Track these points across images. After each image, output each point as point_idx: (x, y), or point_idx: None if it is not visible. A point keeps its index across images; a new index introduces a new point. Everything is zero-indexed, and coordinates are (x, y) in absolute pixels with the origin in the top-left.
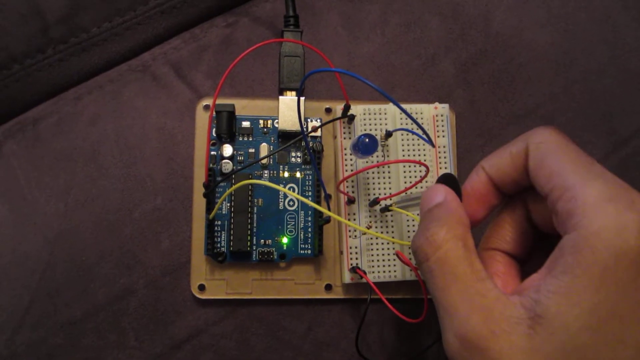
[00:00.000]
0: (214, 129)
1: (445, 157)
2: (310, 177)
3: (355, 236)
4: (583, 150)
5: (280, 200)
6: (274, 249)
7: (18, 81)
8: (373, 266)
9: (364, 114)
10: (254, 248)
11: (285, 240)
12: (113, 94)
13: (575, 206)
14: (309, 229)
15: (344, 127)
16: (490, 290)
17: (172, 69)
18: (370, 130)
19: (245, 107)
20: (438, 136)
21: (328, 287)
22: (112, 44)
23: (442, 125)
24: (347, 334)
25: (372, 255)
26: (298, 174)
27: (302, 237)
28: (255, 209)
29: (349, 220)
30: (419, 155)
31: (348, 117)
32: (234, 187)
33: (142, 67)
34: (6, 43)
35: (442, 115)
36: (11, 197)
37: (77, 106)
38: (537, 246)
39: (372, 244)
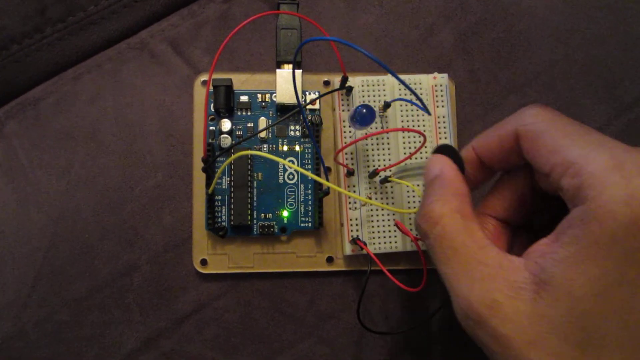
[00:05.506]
0: (211, 104)
1: (445, 128)
2: (310, 150)
3: (356, 208)
4: (583, 118)
5: (279, 174)
6: (274, 223)
7: (17, 62)
8: (374, 237)
9: (362, 85)
10: (255, 222)
11: (285, 213)
12: (112, 72)
13: (581, 180)
14: (309, 202)
15: (342, 99)
16: (493, 258)
17: (170, 46)
18: (369, 101)
19: (244, 82)
20: (437, 106)
21: (329, 260)
22: (110, 22)
23: (442, 96)
24: (349, 306)
25: (373, 226)
26: (297, 148)
27: (302, 210)
28: (255, 183)
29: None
30: (418, 126)
31: (346, 89)
32: (232, 157)
33: (141, 45)
34: (4, 24)
35: (441, 85)
36: (13, 177)
37: (76, 85)
38: (540, 208)
39: (372, 215)
